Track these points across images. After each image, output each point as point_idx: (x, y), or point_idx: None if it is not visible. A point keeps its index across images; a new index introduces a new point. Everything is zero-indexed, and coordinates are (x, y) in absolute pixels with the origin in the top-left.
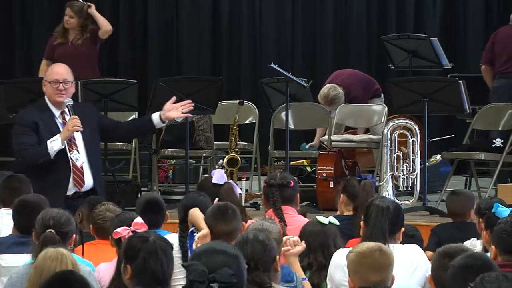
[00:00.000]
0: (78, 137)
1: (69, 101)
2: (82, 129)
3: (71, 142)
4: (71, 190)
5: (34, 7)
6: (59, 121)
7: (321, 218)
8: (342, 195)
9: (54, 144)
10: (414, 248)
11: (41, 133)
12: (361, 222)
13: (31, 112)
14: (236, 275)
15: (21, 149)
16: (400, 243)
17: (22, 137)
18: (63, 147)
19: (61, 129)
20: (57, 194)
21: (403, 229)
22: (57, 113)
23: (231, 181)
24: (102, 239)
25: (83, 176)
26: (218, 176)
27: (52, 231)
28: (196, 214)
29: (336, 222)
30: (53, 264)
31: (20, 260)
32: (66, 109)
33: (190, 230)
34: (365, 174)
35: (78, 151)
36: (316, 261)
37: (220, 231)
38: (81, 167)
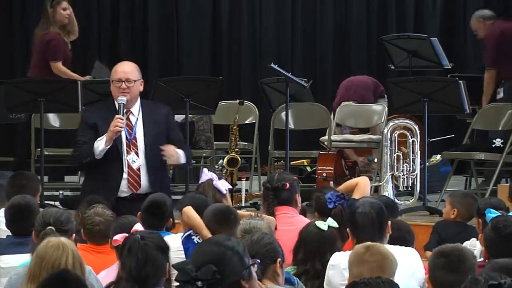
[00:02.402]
0: (140, 140)
1: (121, 100)
2: (122, 130)
3: (130, 143)
4: (125, 192)
5: (34, 7)
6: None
7: (319, 224)
8: (316, 213)
9: (99, 144)
10: (411, 251)
11: (101, 132)
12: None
13: (95, 110)
14: (219, 271)
15: (76, 147)
16: (397, 243)
17: (80, 135)
18: (107, 147)
19: (123, 132)
20: (109, 195)
21: (389, 222)
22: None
23: (216, 179)
24: (93, 244)
25: (139, 179)
26: (203, 176)
27: (52, 228)
28: (192, 215)
29: (335, 224)
30: (55, 253)
31: (19, 260)
32: (121, 107)
33: (187, 233)
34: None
35: (137, 153)
36: (313, 268)
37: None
38: (138, 170)
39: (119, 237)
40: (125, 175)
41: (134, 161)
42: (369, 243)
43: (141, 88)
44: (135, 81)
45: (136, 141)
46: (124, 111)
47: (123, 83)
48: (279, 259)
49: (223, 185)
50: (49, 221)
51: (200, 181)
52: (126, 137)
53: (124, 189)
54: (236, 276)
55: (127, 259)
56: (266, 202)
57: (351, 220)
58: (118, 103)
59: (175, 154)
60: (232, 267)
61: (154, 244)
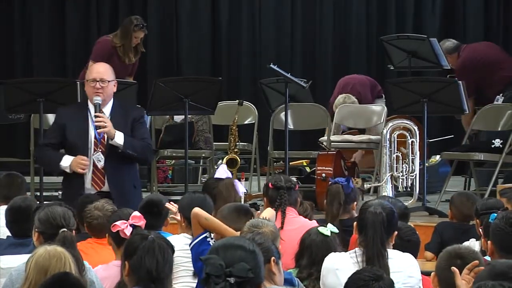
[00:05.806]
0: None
1: (97, 100)
2: (84, 172)
3: (98, 142)
4: (89, 189)
5: (34, 7)
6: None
7: (322, 229)
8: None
9: (63, 164)
10: (408, 257)
11: (67, 133)
12: (354, 225)
13: (68, 110)
14: (253, 270)
15: (39, 146)
16: (395, 247)
17: (48, 134)
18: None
19: (92, 131)
20: (76, 190)
21: (396, 232)
22: (93, 112)
23: (234, 179)
24: (95, 238)
25: (104, 177)
26: (221, 171)
27: (66, 229)
28: (211, 217)
29: (336, 229)
30: (58, 263)
31: (18, 261)
32: (96, 107)
33: (202, 235)
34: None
35: (104, 153)
36: (318, 272)
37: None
38: (102, 169)
39: (119, 223)
40: (89, 174)
41: (100, 160)
42: None
43: (115, 89)
44: (109, 81)
45: (105, 140)
46: (99, 110)
47: (98, 83)
48: (273, 258)
49: (241, 187)
50: (62, 223)
51: (216, 176)
52: (95, 136)
53: (88, 186)
54: (260, 280)
55: (145, 260)
56: (277, 201)
57: (360, 217)
58: (94, 103)
59: (108, 125)
60: (258, 270)
61: (165, 243)
